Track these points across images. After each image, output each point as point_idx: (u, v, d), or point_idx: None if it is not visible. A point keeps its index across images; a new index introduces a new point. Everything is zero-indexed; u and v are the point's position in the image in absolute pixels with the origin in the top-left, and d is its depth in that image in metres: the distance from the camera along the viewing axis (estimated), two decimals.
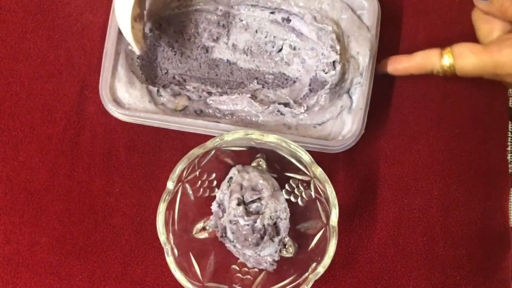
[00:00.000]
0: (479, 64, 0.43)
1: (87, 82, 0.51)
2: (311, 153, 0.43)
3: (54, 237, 0.50)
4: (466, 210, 0.51)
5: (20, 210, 0.50)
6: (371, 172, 0.51)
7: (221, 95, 0.47)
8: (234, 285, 0.45)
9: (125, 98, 0.46)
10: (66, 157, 0.50)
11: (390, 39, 0.50)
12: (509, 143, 0.52)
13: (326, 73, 0.45)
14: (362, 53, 0.46)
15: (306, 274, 0.42)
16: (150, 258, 0.50)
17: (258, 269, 0.45)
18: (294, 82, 0.49)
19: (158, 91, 0.47)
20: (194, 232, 0.46)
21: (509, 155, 0.52)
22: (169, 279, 0.49)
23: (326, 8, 0.46)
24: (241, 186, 0.44)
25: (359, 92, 0.46)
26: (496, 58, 0.43)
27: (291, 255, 0.46)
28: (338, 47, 0.45)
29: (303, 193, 0.46)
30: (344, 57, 0.45)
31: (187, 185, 0.45)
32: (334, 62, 0.45)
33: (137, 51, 0.46)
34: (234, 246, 0.44)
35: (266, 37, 0.49)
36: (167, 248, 0.42)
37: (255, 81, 0.48)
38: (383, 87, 0.51)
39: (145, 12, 0.46)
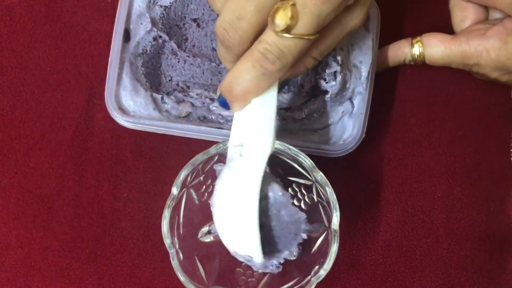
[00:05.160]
0: (447, 54, 0.45)
1: (95, 89, 0.52)
2: (313, 157, 0.44)
3: (64, 241, 0.51)
4: (470, 211, 0.51)
5: (32, 215, 0.51)
6: (374, 175, 0.51)
7: None
8: None
9: (130, 105, 0.47)
10: (75, 163, 0.52)
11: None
12: None
13: (327, 82, 0.45)
14: (365, 62, 0.46)
15: (309, 277, 0.43)
16: (158, 261, 0.51)
17: (263, 271, 0.46)
18: (295, 86, 0.49)
19: (162, 98, 0.48)
20: (199, 235, 0.47)
21: None
22: (176, 281, 0.50)
23: None
24: None
25: (360, 97, 0.46)
26: (464, 48, 0.44)
27: (295, 257, 0.47)
28: (339, 58, 0.45)
29: (305, 197, 0.47)
30: (346, 67, 0.45)
31: (191, 190, 0.46)
32: (335, 72, 0.45)
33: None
34: None
35: None
36: (172, 252, 0.43)
37: None
38: (384, 90, 0.51)
39: None
